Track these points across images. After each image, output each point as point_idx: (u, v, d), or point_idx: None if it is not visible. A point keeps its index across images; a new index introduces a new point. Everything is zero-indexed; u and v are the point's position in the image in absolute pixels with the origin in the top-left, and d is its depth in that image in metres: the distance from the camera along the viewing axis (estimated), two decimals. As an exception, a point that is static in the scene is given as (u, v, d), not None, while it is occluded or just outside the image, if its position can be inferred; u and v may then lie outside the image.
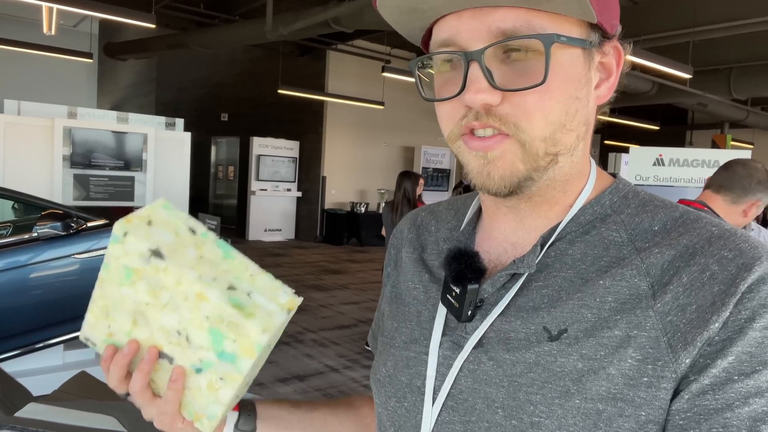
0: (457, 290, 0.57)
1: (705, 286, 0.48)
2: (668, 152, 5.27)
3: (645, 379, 0.48)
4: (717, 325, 0.47)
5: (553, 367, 0.50)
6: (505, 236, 0.60)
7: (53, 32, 9.98)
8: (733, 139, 12.93)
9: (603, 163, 16.57)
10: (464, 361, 0.55)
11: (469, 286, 0.56)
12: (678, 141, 15.01)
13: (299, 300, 0.55)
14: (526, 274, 0.55)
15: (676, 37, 7.54)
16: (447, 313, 0.59)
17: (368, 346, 5.00)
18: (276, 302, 0.54)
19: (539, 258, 0.56)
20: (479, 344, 0.55)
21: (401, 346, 0.63)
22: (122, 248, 0.54)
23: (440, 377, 0.57)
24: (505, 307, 0.55)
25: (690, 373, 0.47)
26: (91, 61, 10.63)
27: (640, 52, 6.72)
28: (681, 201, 2.18)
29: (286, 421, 0.72)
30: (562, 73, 0.51)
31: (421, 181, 4.78)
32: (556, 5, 0.49)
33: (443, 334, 0.58)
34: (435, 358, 0.57)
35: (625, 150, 5.99)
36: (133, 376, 0.58)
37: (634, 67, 8.14)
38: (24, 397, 1.41)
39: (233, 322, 0.52)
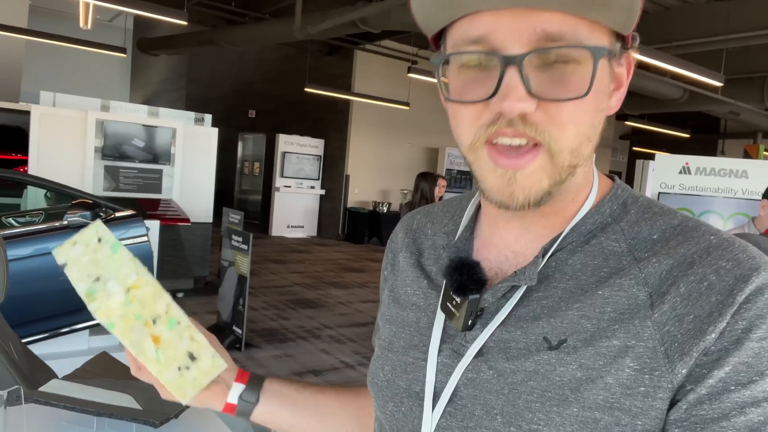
0: (458, 299, 0.57)
1: (702, 296, 0.48)
2: (695, 161, 5.15)
3: (642, 388, 0.48)
4: (714, 335, 0.47)
5: (552, 376, 0.51)
6: (507, 244, 0.60)
7: (89, 27, 10.27)
8: (766, 149, 12.61)
9: (630, 169, 16.22)
10: (464, 369, 0.56)
11: (471, 296, 0.56)
12: (710, 150, 14.68)
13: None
14: (525, 286, 0.55)
15: (709, 44, 7.40)
16: (445, 320, 0.59)
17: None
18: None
19: (540, 268, 0.55)
20: (479, 353, 0.55)
21: (400, 351, 0.63)
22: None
23: (439, 384, 0.57)
24: (506, 317, 0.55)
25: (687, 383, 0.47)
26: (124, 55, 10.89)
27: (670, 58, 6.61)
28: None
29: (291, 398, 0.75)
30: (599, 85, 0.50)
31: (442, 181, 4.75)
32: (608, 17, 0.48)
33: (442, 341, 0.59)
34: (434, 365, 0.58)
35: (653, 157, 5.88)
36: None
37: (664, 73, 8.01)
38: (48, 375, 1.48)
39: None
